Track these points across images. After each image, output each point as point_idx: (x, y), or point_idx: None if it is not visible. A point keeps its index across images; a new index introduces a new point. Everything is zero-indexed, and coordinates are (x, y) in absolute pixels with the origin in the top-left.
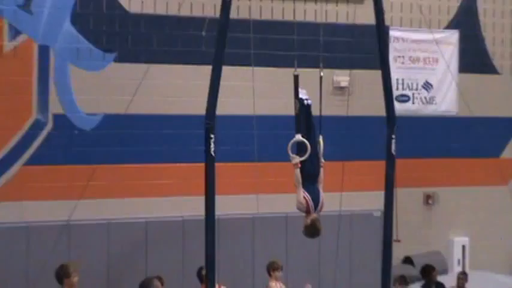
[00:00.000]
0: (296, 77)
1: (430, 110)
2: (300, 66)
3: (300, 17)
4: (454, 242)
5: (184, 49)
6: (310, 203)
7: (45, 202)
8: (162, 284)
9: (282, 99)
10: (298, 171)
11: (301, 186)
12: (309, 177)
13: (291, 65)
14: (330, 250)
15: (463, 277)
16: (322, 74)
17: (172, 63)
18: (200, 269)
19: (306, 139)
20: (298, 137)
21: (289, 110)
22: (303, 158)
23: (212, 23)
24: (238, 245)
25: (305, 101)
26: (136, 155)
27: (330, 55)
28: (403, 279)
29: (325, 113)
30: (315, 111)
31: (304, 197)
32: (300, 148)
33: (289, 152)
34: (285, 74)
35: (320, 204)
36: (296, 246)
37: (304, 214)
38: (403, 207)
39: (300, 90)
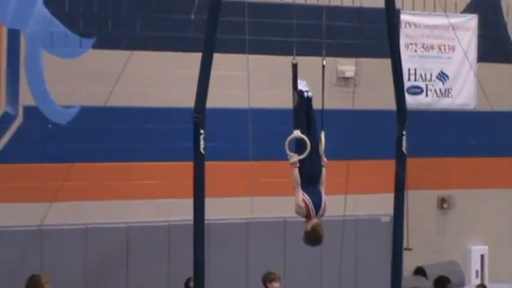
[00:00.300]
0: (295, 66)
1: (445, 103)
2: (300, 53)
3: None
4: (471, 251)
5: (171, 34)
6: (311, 206)
7: (15, 204)
8: None
9: (280, 91)
10: (296, 171)
11: (300, 187)
12: (310, 178)
13: (289, 53)
14: (332, 259)
15: None
16: (324, 62)
17: (157, 50)
18: (188, 280)
19: (306, 135)
20: (297, 133)
21: (288, 103)
22: (301, 157)
23: (202, 5)
24: (230, 254)
25: (305, 93)
26: (117, 153)
27: (334, 42)
28: None
29: (328, 106)
30: (316, 104)
31: (304, 200)
32: (298, 145)
33: (287, 150)
34: (283, 63)
35: (322, 208)
36: (295, 255)
37: (304, 219)
38: (414, 212)
39: (299, 81)
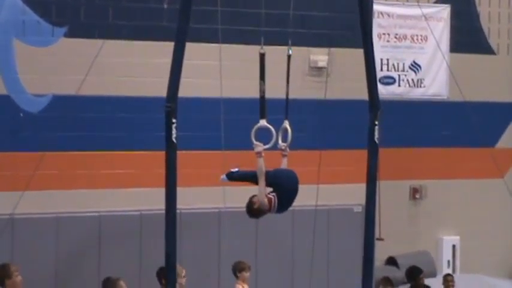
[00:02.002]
0: (262, 56)
1: (417, 93)
2: (273, 43)
3: None
4: (443, 241)
5: (144, 23)
6: (275, 203)
7: None
8: None
9: (252, 80)
10: (261, 161)
11: (264, 178)
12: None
13: (262, 42)
14: (304, 249)
15: (451, 279)
16: (290, 52)
17: (130, 39)
18: (160, 269)
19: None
20: (263, 122)
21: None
22: (267, 146)
23: None
24: (202, 243)
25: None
26: (89, 141)
27: (306, 31)
28: (388, 282)
29: (300, 96)
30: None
31: (269, 198)
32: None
33: (253, 139)
34: (256, 52)
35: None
36: (267, 244)
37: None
38: (387, 202)
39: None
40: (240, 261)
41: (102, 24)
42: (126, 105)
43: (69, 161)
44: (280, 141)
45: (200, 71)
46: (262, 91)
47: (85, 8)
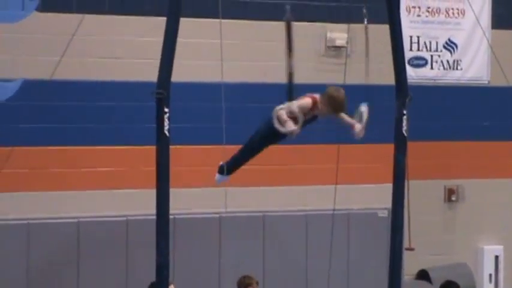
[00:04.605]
0: (288, 24)
1: (453, 77)
2: (280, 18)
3: None
4: (484, 251)
5: None
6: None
7: None
8: None
9: (258, 62)
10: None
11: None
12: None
13: (269, 17)
14: (320, 261)
15: None
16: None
17: (114, 13)
18: (152, 285)
19: None
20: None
21: (268, 75)
22: (295, 128)
23: None
24: (200, 254)
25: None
26: (65, 134)
27: (322, 4)
28: None
29: (315, 80)
30: (298, 78)
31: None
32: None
33: (275, 119)
34: (262, 29)
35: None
36: (276, 255)
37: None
38: (417, 206)
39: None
40: (246, 275)
41: None
42: (109, 92)
43: (43, 158)
44: None
45: (197, 51)
46: (290, 67)
47: None
